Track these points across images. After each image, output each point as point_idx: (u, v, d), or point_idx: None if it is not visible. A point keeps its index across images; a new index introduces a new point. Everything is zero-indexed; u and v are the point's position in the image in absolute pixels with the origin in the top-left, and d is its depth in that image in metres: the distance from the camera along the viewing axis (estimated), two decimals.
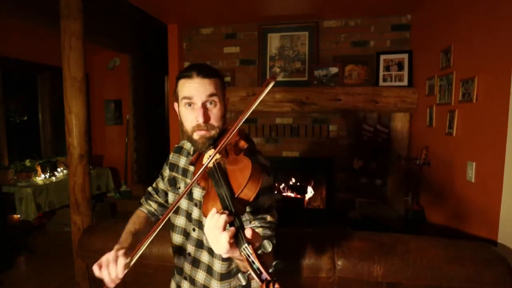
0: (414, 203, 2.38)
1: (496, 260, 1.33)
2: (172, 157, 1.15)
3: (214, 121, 0.93)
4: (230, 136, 0.79)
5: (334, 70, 2.95)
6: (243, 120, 0.78)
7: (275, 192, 0.97)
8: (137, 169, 4.75)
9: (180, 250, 1.06)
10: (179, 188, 1.07)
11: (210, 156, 0.84)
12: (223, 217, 0.64)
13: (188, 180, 1.05)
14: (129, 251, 0.88)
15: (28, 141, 4.21)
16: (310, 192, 3.38)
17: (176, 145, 1.18)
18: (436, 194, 2.24)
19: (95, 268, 0.83)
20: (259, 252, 0.58)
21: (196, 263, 1.02)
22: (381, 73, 2.87)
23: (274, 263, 0.56)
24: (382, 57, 2.86)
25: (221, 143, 0.79)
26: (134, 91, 4.66)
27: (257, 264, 0.56)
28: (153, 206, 1.16)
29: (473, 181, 1.76)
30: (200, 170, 0.79)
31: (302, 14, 2.93)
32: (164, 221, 0.80)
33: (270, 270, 0.56)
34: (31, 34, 3.58)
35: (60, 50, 2.20)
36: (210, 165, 0.80)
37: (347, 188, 3.09)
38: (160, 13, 3.02)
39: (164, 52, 3.37)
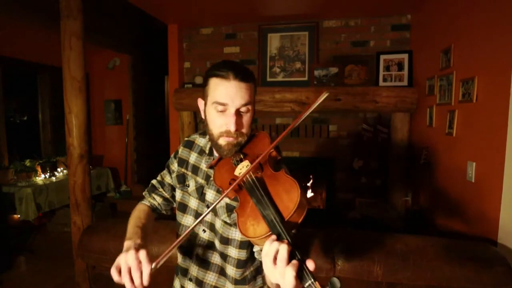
0: (414, 203, 2.38)
1: (496, 260, 1.33)
2: (182, 151, 1.06)
3: (244, 128, 0.87)
4: (269, 151, 0.74)
5: (334, 70, 2.95)
6: (288, 132, 0.73)
7: None
8: (137, 169, 4.75)
9: (186, 251, 1.02)
10: (188, 186, 1.01)
11: (243, 167, 0.79)
12: (285, 248, 0.56)
13: (199, 179, 0.99)
14: (148, 252, 0.78)
15: (28, 141, 4.21)
16: (310, 192, 3.38)
17: (186, 139, 1.09)
18: (436, 194, 2.24)
19: (113, 272, 0.71)
20: None
21: (204, 264, 0.98)
22: (381, 73, 2.87)
23: None
24: (382, 57, 2.86)
25: (259, 156, 0.74)
26: (134, 91, 4.66)
27: None
28: (157, 200, 1.08)
29: (473, 181, 1.76)
30: (235, 183, 0.73)
31: (302, 14, 2.93)
32: (192, 228, 0.74)
33: None
34: (31, 34, 3.58)
35: (60, 50, 2.20)
36: (247, 177, 0.75)
37: (347, 188, 3.09)
38: (160, 13, 3.02)
39: (164, 52, 3.37)
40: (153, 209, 1.07)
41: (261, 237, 0.63)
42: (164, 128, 4.83)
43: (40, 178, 3.47)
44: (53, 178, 3.54)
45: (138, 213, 1.01)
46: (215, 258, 0.97)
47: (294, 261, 0.56)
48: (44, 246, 3.28)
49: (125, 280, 0.70)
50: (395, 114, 2.85)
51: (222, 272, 0.97)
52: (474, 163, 1.75)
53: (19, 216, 3.18)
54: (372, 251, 1.38)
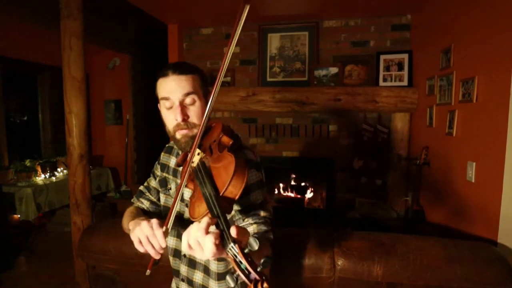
0: (414, 203, 2.38)
1: (496, 260, 1.33)
2: (162, 157, 1.12)
3: (194, 119, 0.90)
4: (202, 130, 0.76)
5: (334, 70, 2.95)
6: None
7: (266, 187, 0.95)
8: (137, 169, 4.75)
9: (175, 253, 1.05)
10: (170, 189, 1.05)
11: (194, 156, 0.81)
12: (205, 219, 0.61)
13: (178, 181, 1.03)
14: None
15: (28, 141, 4.21)
16: (310, 192, 3.38)
17: (167, 145, 1.15)
18: (436, 194, 2.24)
19: (137, 245, 0.78)
20: (246, 250, 0.55)
21: (192, 264, 1.01)
22: (381, 73, 2.87)
23: (262, 260, 0.53)
24: (382, 57, 2.86)
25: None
26: (134, 91, 4.66)
27: (244, 263, 0.53)
28: (145, 204, 1.13)
29: (473, 181, 1.76)
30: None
31: (302, 14, 2.93)
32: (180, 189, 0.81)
33: (258, 269, 0.53)
34: (31, 34, 3.58)
35: (60, 50, 2.20)
36: (194, 164, 0.78)
37: (347, 188, 3.09)
38: (160, 13, 3.02)
39: (164, 52, 3.37)
40: (142, 212, 1.11)
41: (202, 216, 0.65)
42: (164, 128, 4.83)
43: (40, 178, 3.47)
44: (53, 178, 3.54)
45: (129, 212, 1.04)
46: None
47: (215, 231, 0.59)
48: (44, 246, 3.28)
49: (148, 248, 0.77)
50: (395, 114, 2.85)
51: (206, 271, 0.99)
52: (474, 163, 1.75)
53: (19, 216, 3.18)
54: (372, 251, 1.38)
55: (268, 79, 3.15)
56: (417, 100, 2.66)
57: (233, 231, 0.58)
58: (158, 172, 1.12)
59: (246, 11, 0.70)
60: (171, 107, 0.90)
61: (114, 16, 3.87)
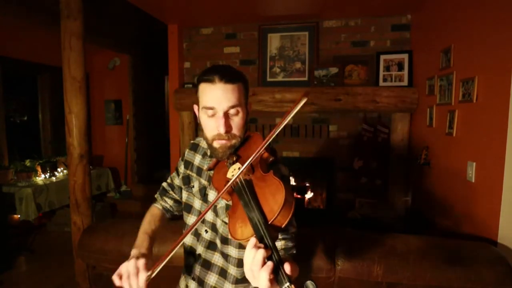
0: (414, 203, 2.38)
1: (496, 260, 1.33)
2: (187, 154, 1.10)
3: (236, 130, 0.88)
4: (258, 154, 0.74)
5: (334, 70, 2.95)
6: (274, 136, 0.73)
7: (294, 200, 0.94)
8: (137, 169, 4.75)
9: (190, 251, 1.04)
10: (193, 187, 1.04)
11: (235, 169, 0.81)
12: (261, 252, 0.58)
13: (202, 180, 1.02)
14: (149, 261, 0.85)
15: (28, 141, 4.21)
16: (310, 192, 3.38)
17: (191, 141, 1.14)
18: (436, 194, 2.24)
19: (115, 278, 0.80)
20: None
21: (206, 265, 0.99)
22: (381, 73, 2.87)
23: None
24: (382, 57, 2.86)
25: (249, 159, 0.73)
26: (134, 91, 4.66)
27: None
28: (169, 202, 1.13)
29: (473, 181, 1.76)
30: (226, 186, 0.74)
31: (302, 14, 2.93)
32: (186, 236, 0.80)
33: None
34: (31, 34, 3.58)
35: (60, 50, 2.20)
36: (235, 178, 0.76)
37: (347, 188, 3.09)
38: (160, 13, 3.03)
39: (164, 52, 3.37)
40: (165, 211, 1.13)
41: (246, 240, 0.64)
42: (164, 128, 4.83)
43: (40, 178, 3.47)
44: (53, 178, 3.54)
45: (150, 218, 1.07)
46: (217, 259, 0.98)
47: (269, 263, 0.58)
48: (44, 246, 3.28)
49: (125, 284, 0.79)
50: (395, 114, 2.85)
51: (222, 273, 0.98)
52: (474, 163, 1.75)
53: (19, 216, 3.18)
54: (372, 251, 1.38)
55: (268, 79, 3.15)
56: (417, 100, 2.66)
57: (287, 268, 0.57)
58: (181, 169, 1.10)
59: (302, 103, 0.70)
60: (213, 115, 0.87)
61: (114, 16, 3.87)
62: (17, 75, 4.03)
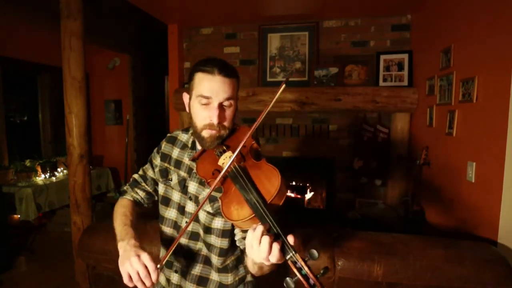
0: (414, 203, 2.38)
1: (496, 260, 1.33)
2: (164, 147, 1.10)
3: (227, 122, 0.92)
4: (248, 139, 0.79)
5: (334, 70, 2.95)
6: (259, 123, 0.77)
7: None
8: (137, 169, 4.74)
9: (170, 244, 1.05)
10: (171, 180, 1.05)
11: (226, 158, 0.83)
12: (260, 227, 0.64)
13: (182, 173, 1.03)
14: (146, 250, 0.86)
15: (28, 141, 4.21)
16: (310, 192, 3.38)
17: (168, 135, 1.14)
18: (436, 194, 2.24)
19: (127, 281, 0.80)
20: (307, 259, 0.60)
21: (190, 255, 1.01)
22: (381, 73, 2.87)
23: (322, 271, 0.60)
24: (382, 57, 2.86)
25: (239, 145, 0.78)
26: (134, 91, 4.66)
27: (305, 270, 0.59)
28: (140, 194, 1.13)
29: (473, 181, 1.76)
30: (222, 172, 0.77)
31: (302, 14, 2.93)
32: (188, 225, 0.82)
33: (318, 276, 0.59)
34: (31, 34, 3.58)
35: (60, 50, 2.20)
36: (226, 167, 0.78)
37: (347, 188, 3.09)
38: (160, 13, 3.02)
39: (164, 52, 3.37)
40: (136, 203, 1.12)
41: (244, 220, 0.69)
42: (164, 128, 4.83)
43: (40, 178, 3.47)
44: (53, 178, 3.54)
45: (123, 210, 1.06)
46: (200, 248, 1.01)
47: (269, 235, 0.62)
48: (44, 246, 3.28)
49: (139, 284, 0.78)
50: (395, 114, 2.85)
51: (207, 261, 1.00)
52: (474, 163, 1.75)
53: (19, 216, 3.18)
54: (372, 251, 1.38)
55: (268, 79, 3.15)
56: (417, 100, 2.66)
57: (291, 240, 0.62)
58: (157, 162, 1.10)
59: (282, 88, 0.75)
60: (207, 105, 0.89)
61: (114, 16, 3.87)
62: (17, 75, 4.03)
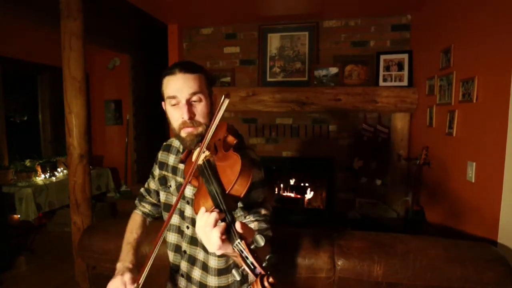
0: (414, 203, 2.38)
1: (496, 260, 1.33)
2: (161, 155, 1.13)
3: (200, 117, 0.92)
4: (212, 131, 0.79)
5: (334, 70, 2.95)
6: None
7: (267, 186, 1.00)
8: (137, 169, 4.75)
9: (176, 248, 1.07)
10: (170, 186, 1.07)
11: (196, 153, 0.83)
12: (213, 215, 0.63)
13: (179, 178, 1.04)
14: (134, 272, 0.94)
15: (28, 141, 4.21)
16: (310, 192, 3.38)
17: (164, 143, 1.17)
18: (436, 194, 2.24)
19: None
20: (252, 247, 0.58)
21: (192, 260, 1.03)
22: (381, 73, 2.87)
23: (267, 257, 0.56)
24: (382, 57, 2.86)
25: (205, 138, 0.79)
26: (134, 91, 4.66)
27: (250, 259, 0.56)
28: (147, 207, 1.18)
29: (473, 181, 1.76)
30: (192, 168, 0.78)
31: (302, 14, 2.93)
32: (162, 237, 0.83)
33: (264, 264, 0.55)
34: (31, 34, 3.58)
35: (60, 50, 2.20)
36: (200, 162, 0.80)
37: (347, 188, 3.09)
38: (160, 13, 3.02)
39: (164, 52, 3.37)
40: (145, 215, 1.18)
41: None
42: (164, 128, 4.82)
43: (40, 178, 3.47)
44: (53, 178, 3.54)
45: (131, 226, 1.13)
46: (199, 254, 1.01)
47: (222, 224, 0.62)
48: (44, 246, 3.28)
49: None
50: (395, 114, 2.85)
51: (204, 267, 1.01)
52: (474, 163, 1.75)
53: (19, 216, 3.18)
54: (372, 251, 1.38)
55: (268, 79, 3.15)
56: (417, 100, 2.66)
57: (238, 226, 0.61)
58: (156, 172, 1.13)
59: (225, 104, 0.77)
60: (176, 105, 0.91)
61: (114, 16, 3.87)
62: (17, 75, 4.03)
